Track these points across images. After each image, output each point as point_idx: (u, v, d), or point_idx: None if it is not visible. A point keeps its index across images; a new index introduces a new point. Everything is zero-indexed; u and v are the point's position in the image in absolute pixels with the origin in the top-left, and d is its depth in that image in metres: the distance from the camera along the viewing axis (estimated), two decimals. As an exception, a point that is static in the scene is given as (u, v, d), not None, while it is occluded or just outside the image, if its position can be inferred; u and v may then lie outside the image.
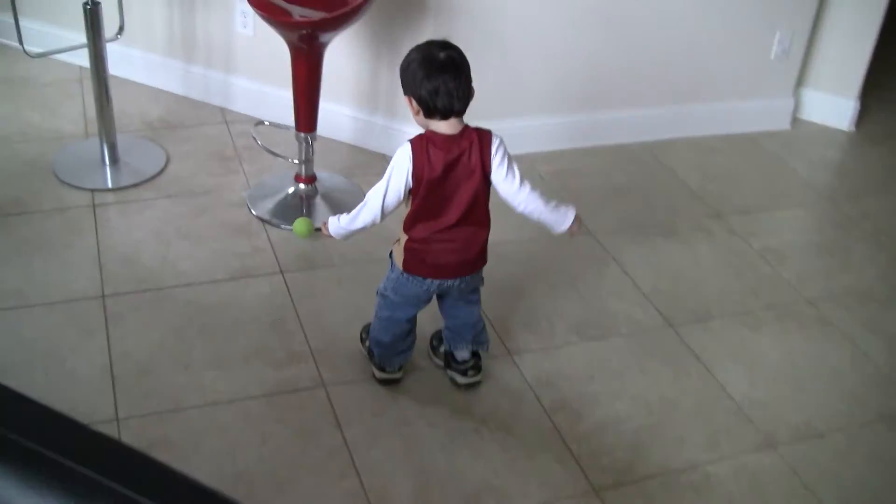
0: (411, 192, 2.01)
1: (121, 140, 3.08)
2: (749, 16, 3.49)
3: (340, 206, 2.70)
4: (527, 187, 2.05)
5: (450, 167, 1.97)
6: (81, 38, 2.91)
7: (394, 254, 2.13)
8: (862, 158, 3.72)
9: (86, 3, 2.81)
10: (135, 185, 2.97)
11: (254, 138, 3.11)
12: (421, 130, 2.02)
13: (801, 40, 3.65)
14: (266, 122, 3.21)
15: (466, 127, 2.00)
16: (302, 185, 2.96)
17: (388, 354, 2.24)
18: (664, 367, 2.45)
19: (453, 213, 2.01)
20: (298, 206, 2.94)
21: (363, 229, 2.11)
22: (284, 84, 2.83)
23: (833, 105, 3.84)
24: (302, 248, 2.76)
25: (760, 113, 3.76)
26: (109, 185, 2.98)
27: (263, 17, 2.60)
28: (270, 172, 3.08)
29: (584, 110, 3.45)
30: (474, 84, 1.98)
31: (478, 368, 2.29)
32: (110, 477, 0.86)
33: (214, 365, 2.29)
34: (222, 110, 3.47)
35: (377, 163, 3.16)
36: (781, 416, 2.32)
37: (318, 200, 2.97)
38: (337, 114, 3.26)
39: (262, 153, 3.06)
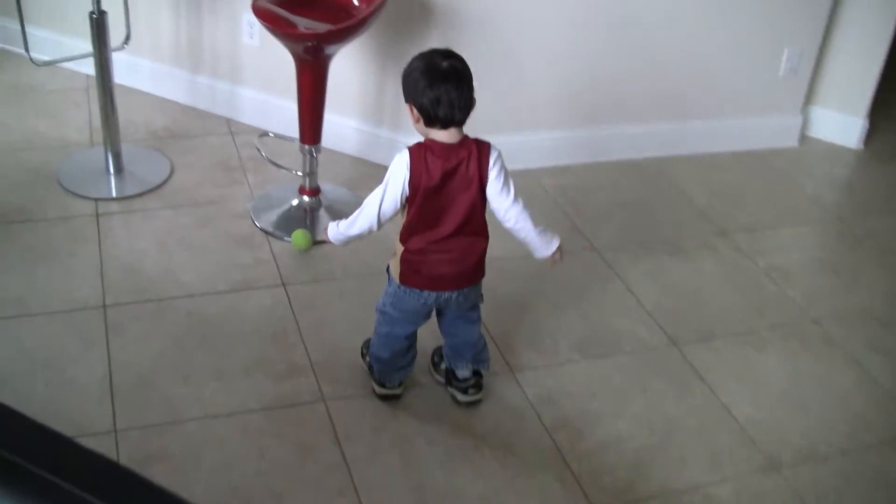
0: (408, 201, 2.00)
1: (126, 149, 3.08)
2: (758, 33, 3.48)
3: (344, 218, 2.68)
4: (520, 204, 2.04)
5: (448, 176, 1.96)
6: (88, 46, 2.91)
7: (391, 267, 2.13)
8: (870, 177, 3.70)
9: (92, 12, 2.82)
10: (139, 195, 2.97)
11: (258, 150, 3.10)
12: (421, 138, 2.01)
13: (810, 58, 3.63)
14: (271, 134, 3.21)
15: (466, 137, 1.99)
16: (306, 198, 2.95)
17: (387, 370, 2.23)
18: (667, 386, 2.43)
19: (450, 224, 2.00)
20: (302, 219, 2.93)
21: (360, 236, 2.11)
22: (290, 95, 2.82)
23: (841, 123, 3.83)
24: (304, 261, 2.75)
25: (768, 130, 3.74)
26: (113, 194, 2.98)
27: (269, 29, 2.60)
28: (275, 184, 3.07)
29: (590, 125, 3.44)
30: (480, 98, 1.97)
31: (479, 386, 2.27)
32: (98, 495, 0.85)
33: (214, 377, 2.28)
34: (228, 121, 3.47)
35: (382, 175, 3.08)
36: (785, 438, 2.30)
37: (322, 213, 2.96)
38: (342, 126, 3.25)
39: (267, 164, 3.06)
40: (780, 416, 2.37)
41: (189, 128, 3.40)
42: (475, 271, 2.10)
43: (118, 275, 2.60)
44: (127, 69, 3.42)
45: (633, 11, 3.24)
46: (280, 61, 2.84)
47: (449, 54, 1.96)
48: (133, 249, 2.72)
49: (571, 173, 3.38)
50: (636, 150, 3.52)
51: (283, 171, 3.00)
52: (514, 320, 2.59)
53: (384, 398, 2.26)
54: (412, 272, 2.06)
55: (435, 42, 3.02)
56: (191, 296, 2.55)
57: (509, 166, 2.06)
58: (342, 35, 2.63)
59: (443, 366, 2.31)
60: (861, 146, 3.84)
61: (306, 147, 2.85)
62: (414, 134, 2.04)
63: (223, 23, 3.34)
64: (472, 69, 1.96)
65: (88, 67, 3.21)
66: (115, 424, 2.11)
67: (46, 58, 3.18)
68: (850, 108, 3.80)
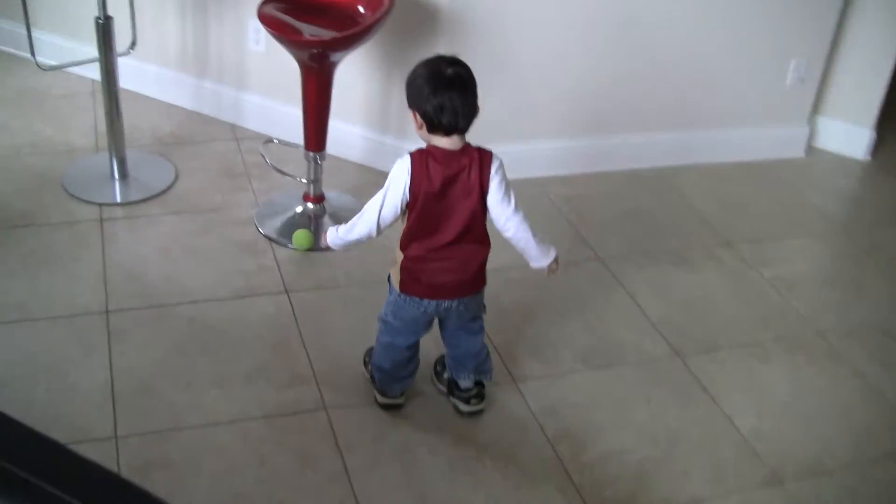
0: (408, 207, 2.00)
1: (131, 155, 3.08)
2: (765, 43, 3.47)
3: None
4: (520, 214, 2.03)
5: (448, 183, 1.95)
6: (94, 51, 2.91)
7: (391, 276, 2.12)
8: (876, 188, 3.68)
9: (98, 18, 2.82)
10: (143, 201, 2.97)
11: (262, 156, 3.10)
12: (424, 145, 2.01)
13: (817, 68, 3.62)
14: (275, 140, 3.21)
15: (468, 145, 1.98)
16: (310, 205, 2.95)
17: (388, 380, 2.22)
18: (671, 397, 2.41)
19: (450, 231, 1.99)
20: (306, 226, 2.92)
21: (360, 241, 2.10)
22: (295, 102, 2.82)
23: (848, 134, 3.81)
24: (308, 268, 2.74)
25: (775, 140, 3.73)
26: (118, 199, 2.98)
27: (274, 36, 2.60)
28: (279, 190, 3.07)
29: (596, 135, 3.44)
30: (485, 106, 1.97)
31: (481, 397, 2.26)
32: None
33: (216, 384, 2.27)
34: (233, 127, 3.47)
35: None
36: (789, 451, 2.28)
37: (327, 220, 2.95)
38: (347, 133, 3.25)
39: (272, 171, 3.06)
40: (784, 428, 2.36)
41: (194, 133, 3.40)
42: (476, 280, 2.09)
43: (121, 280, 2.59)
44: (133, 74, 3.42)
45: (639, 20, 3.23)
46: (285, 68, 2.84)
47: (454, 61, 1.95)
48: (136, 255, 2.72)
49: (576, 183, 3.38)
50: (642, 160, 3.52)
51: (288, 177, 3.00)
52: (517, 330, 2.58)
53: (386, 407, 2.25)
54: (412, 280, 2.05)
55: (440, 49, 3.01)
56: (194, 302, 2.54)
57: (514, 175, 2.05)
58: (347, 42, 2.62)
59: (445, 375, 2.30)
60: (868, 157, 3.82)
61: (311, 154, 2.85)
62: (419, 141, 2.03)
63: (229, 29, 3.34)
64: (477, 77, 1.96)
65: (94, 72, 3.21)
66: (115, 430, 2.11)
67: (52, 62, 3.18)
68: (858, 118, 3.78)
